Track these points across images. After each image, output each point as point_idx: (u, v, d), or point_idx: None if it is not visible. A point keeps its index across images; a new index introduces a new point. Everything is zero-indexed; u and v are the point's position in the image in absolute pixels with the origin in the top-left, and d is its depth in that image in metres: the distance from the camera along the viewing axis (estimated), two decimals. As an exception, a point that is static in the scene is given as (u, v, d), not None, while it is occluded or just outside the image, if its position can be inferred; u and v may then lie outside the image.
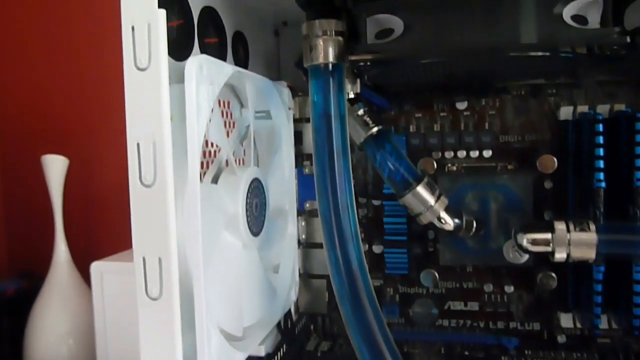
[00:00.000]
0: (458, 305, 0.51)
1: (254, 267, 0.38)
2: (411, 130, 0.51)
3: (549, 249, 0.38)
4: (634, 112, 0.43)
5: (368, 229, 0.51)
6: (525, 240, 0.38)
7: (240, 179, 0.36)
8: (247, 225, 0.36)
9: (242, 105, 0.42)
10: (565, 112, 0.47)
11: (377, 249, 0.51)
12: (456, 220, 0.42)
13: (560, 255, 0.37)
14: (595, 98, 0.47)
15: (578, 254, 0.37)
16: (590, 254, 0.37)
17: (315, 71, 0.36)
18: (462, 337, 0.51)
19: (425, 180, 0.42)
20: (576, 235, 0.37)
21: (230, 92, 0.42)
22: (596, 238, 0.37)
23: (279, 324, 0.44)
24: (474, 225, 0.44)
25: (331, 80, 0.35)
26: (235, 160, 0.38)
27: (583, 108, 0.46)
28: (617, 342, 0.47)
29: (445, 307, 0.51)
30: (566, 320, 0.48)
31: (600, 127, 0.42)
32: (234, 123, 0.41)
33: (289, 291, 0.45)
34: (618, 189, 0.42)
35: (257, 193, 0.39)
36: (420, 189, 0.41)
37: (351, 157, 0.36)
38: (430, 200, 0.41)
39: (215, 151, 0.38)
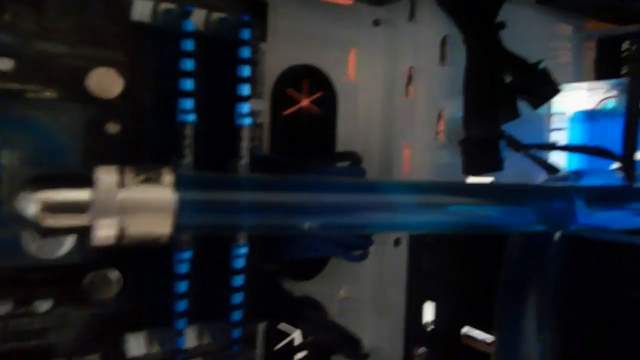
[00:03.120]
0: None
1: None
2: None
3: (84, 221, 0.18)
4: (239, 18, 0.28)
5: None
6: (35, 205, 0.18)
7: None
8: None
9: None
10: (142, 9, 0.29)
11: None
12: None
13: (105, 232, 0.19)
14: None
15: (142, 227, 0.19)
16: (163, 227, 0.20)
17: None
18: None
19: None
20: (138, 193, 0.19)
21: None
22: (175, 198, 0.20)
23: None
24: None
25: None
26: None
27: (168, 6, 0.29)
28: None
29: None
30: (137, 343, 0.30)
31: (190, 25, 0.26)
32: None
33: None
34: (215, 127, 0.27)
35: None
36: None
37: None
38: None
39: None
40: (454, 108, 0.43)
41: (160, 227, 0.19)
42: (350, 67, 0.41)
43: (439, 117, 0.44)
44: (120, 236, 0.19)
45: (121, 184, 0.19)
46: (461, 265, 0.38)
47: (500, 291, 0.30)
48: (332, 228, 0.25)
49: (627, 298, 0.28)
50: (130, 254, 0.26)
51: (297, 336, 0.41)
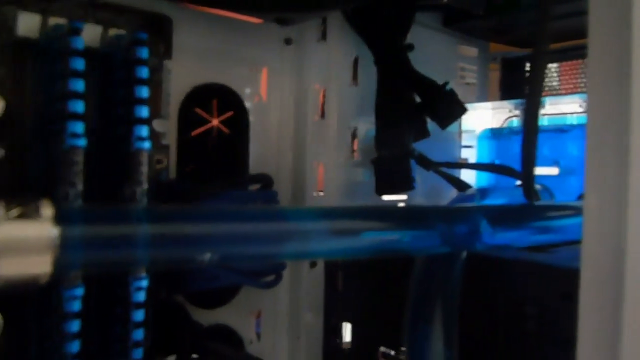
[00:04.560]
0: None
1: None
2: None
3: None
4: (136, 36, 0.27)
5: None
6: None
7: None
8: None
9: None
10: (28, 24, 0.26)
11: None
12: None
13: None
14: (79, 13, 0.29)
15: (16, 268, 0.17)
16: (42, 267, 0.18)
17: None
18: None
19: None
20: (10, 230, 0.17)
21: None
22: (55, 233, 0.18)
23: None
24: None
25: None
26: None
27: (58, 21, 0.27)
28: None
29: None
30: (26, 390, 0.27)
31: (80, 43, 0.24)
32: None
33: None
34: (110, 152, 0.25)
35: None
36: None
37: None
38: None
39: None
40: (368, 127, 0.43)
41: (38, 267, 0.18)
42: (262, 86, 0.41)
43: (353, 136, 0.44)
44: (-11, 279, 0.17)
45: (-10, 220, 0.17)
46: (376, 286, 0.38)
47: (407, 311, 0.30)
48: (237, 259, 0.24)
49: (527, 314, 0.28)
50: (12, 293, 0.23)
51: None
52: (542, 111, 0.51)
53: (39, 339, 0.25)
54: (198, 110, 0.37)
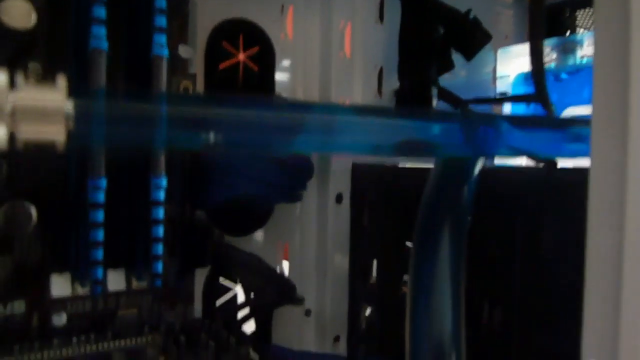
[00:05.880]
0: None
1: None
2: None
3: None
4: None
5: None
6: None
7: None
8: None
9: None
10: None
11: None
12: None
13: (-8, 131, 0.19)
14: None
15: (33, 130, 0.19)
16: (56, 131, 0.19)
17: None
18: None
19: None
20: (29, 95, 0.19)
21: None
22: (70, 104, 0.20)
23: None
24: None
25: None
26: None
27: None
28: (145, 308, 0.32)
29: None
30: (62, 285, 0.30)
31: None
32: None
33: None
34: (131, 58, 0.27)
35: None
36: None
37: None
38: None
39: None
40: (394, 76, 0.43)
41: (53, 134, 0.19)
42: (288, 23, 0.42)
43: (380, 76, 0.44)
44: (11, 140, 0.19)
45: (11, 85, 0.19)
46: (401, 220, 0.38)
47: (416, 234, 0.30)
48: (253, 145, 0.24)
49: (544, 227, 0.28)
50: (43, 187, 0.25)
51: (239, 292, 0.41)
52: (580, 52, 0.50)
53: (70, 228, 0.27)
54: (225, 44, 0.38)
